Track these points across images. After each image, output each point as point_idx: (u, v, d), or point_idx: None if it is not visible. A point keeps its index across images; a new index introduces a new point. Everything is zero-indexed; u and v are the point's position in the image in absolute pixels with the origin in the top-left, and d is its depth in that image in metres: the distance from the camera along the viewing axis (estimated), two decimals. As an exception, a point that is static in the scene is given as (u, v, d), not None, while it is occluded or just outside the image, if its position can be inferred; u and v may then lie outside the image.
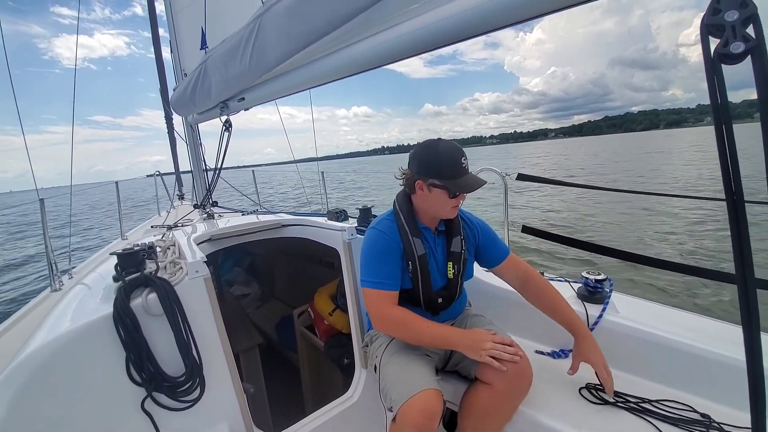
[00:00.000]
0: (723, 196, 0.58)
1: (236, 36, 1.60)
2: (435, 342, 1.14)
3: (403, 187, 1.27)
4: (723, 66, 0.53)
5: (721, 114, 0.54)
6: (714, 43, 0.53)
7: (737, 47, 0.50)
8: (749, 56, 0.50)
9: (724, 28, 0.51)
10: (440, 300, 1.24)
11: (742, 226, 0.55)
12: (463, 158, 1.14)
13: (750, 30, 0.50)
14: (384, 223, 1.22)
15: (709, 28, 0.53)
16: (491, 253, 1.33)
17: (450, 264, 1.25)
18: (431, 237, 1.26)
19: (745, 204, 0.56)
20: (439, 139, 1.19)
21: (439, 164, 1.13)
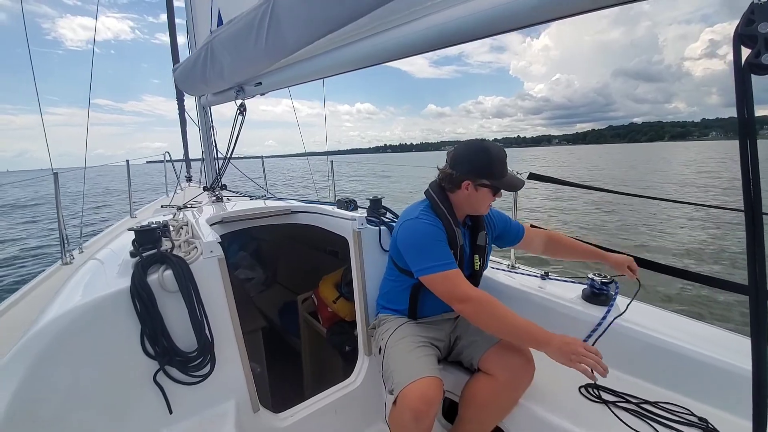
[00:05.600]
0: (738, 206, 0.59)
1: (246, 17, 1.55)
2: (519, 334, 1.07)
3: (437, 182, 1.29)
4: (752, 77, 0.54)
5: (746, 123, 0.54)
6: (746, 53, 0.53)
7: None
8: None
9: (757, 39, 0.52)
10: None
11: (758, 237, 0.55)
12: (506, 158, 1.21)
13: None
14: (426, 214, 1.22)
15: (742, 38, 0.53)
16: (511, 234, 1.45)
17: (476, 257, 1.31)
18: (462, 230, 1.30)
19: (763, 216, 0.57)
20: (484, 140, 1.24)
21: (491, 165, 1.18)
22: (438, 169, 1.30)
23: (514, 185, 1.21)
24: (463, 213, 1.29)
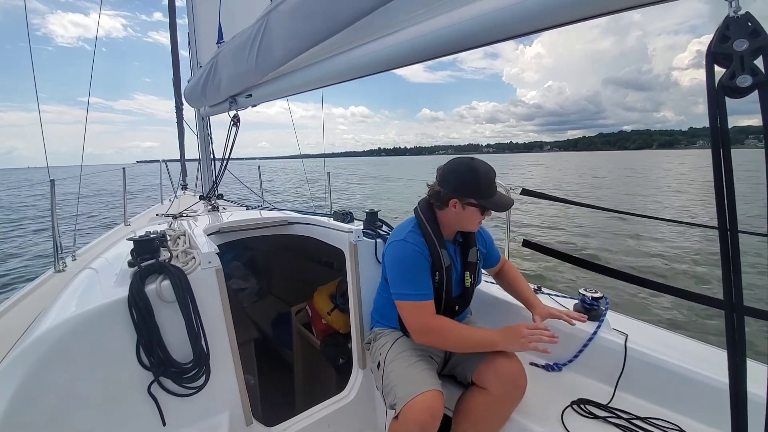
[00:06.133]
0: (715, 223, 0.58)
1: (245, 32, 1.62)
2: (479, 346, 1.18)
3: (426, 199, 1.30)
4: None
5: (720, 145, 0.51)
6: (720, 72, 0.49)
7: (744, 80, 0.47)
8: (757, 91, 0.46)
9: (732, 58, 0.47)
10: (457, 307, 1.30)
11: (733, 255, 0.54)
12: (496, 177, 1.21)
13: (759, 62, 0.46)
14: (412, 235, 1.23)
15: (715, 56, 0.49)
16: (489, 259, 1.46)
17: (467, 273, 1.31)
18: (451, 248, 1.30)
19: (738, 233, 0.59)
20: (473, 158, 1.23)
21: (478, 185, 1.18)
22: (427, 185, 1.30)
23: (503, 205, 1.20)
24: (452, 230, 1.30)
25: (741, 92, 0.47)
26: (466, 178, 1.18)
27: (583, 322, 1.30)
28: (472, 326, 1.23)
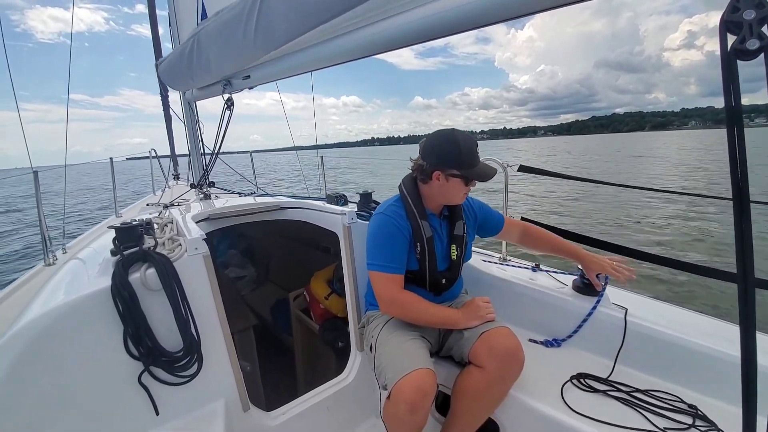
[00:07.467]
0: (718, 194, 0.59)
1: (235, 8, 1.52)
2: (440, 323, 1.24)
3: (410, 174, 1.31)
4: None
5: (733, 108, 0.54)
6: (731, 40, 0.55)
7: (753, 44, 0.53)
8: (762, 54, 0.52)
9: (742, 26, 0.53)
10: (444, 281, 1.30)
11: (746, 224, 0.55)
12: (477, 148, 1.20)
13: (765, 29, 0.52)
14: (391, 208, 1.26)
15: (727, 25, 0.54)
16: (491, 224, 1.46)
17: (453, 246, 1.31)
18: (436, 222, 1.31)
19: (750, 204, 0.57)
20: (454, 129, 1.23)
21: (459, 155, 1.18)
22: (411, 160, 1.31)
23: (486, 174, 1.21)
24: (437, 203, 1.30)
25: (750, 54, 0.53)
26: (448, 150, 1.19)
27: (631, 277, 1.30)
28: (437, 305, 1.26)
